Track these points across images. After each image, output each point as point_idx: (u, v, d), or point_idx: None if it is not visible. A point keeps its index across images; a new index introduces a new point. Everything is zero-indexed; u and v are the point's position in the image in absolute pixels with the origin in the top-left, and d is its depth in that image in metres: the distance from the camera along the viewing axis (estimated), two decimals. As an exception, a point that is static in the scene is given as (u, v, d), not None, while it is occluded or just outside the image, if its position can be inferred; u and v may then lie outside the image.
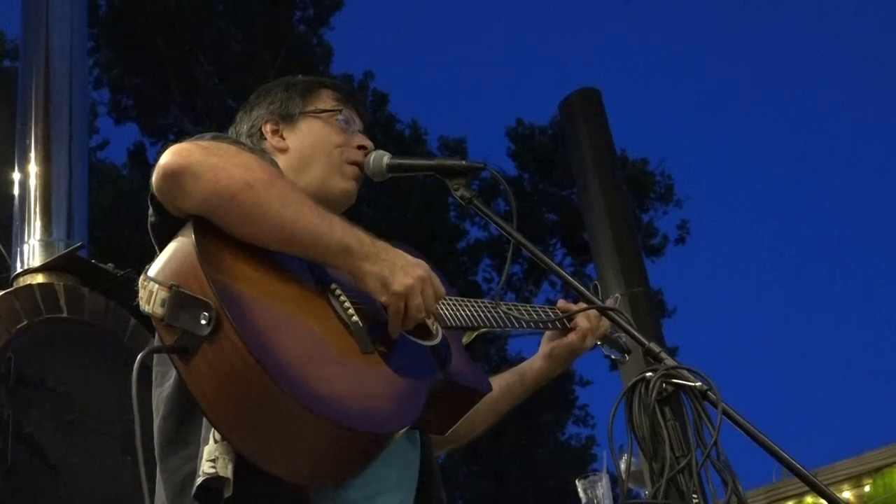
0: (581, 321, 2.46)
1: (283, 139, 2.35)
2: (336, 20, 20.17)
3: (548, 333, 2.52)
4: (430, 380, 1.93)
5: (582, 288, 2.18)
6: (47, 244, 5.23)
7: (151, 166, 2.14)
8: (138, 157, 18.70)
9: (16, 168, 5.46)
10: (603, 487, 3.09)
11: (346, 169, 2.34)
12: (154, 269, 1.85)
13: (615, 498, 3.07)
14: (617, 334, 2.57)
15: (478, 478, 20.07)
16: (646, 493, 2.51)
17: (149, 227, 2.00)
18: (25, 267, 5.12)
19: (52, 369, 4.48)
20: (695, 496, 1.74)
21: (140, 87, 18.82)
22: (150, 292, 1.81)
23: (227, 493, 1.77)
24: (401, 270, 1.93)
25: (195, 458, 1.83)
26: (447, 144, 20.55)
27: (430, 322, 2.06)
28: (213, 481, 1.77)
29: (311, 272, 1.94)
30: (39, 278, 4.97)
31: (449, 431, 2.12)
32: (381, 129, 20.09)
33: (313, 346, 1.81)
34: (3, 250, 5.91)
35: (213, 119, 17.27)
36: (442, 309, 2.14)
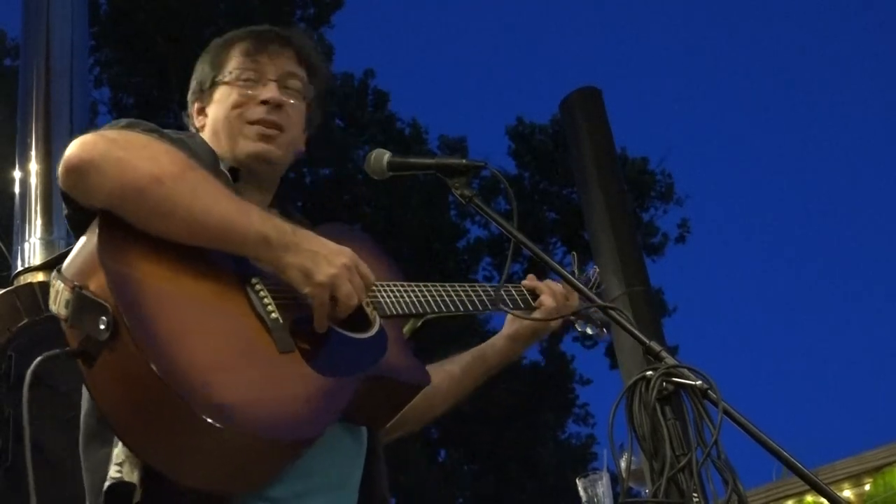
0: (546, 300, 2.37)
1: (206, 115, 2.25)
2: (337, 19, 20.20)
3: (517, 311, 2.40)
4: (357, 376, 1.85)
5: (582, 286, 2.18)
6: (48, 242, 5.22)
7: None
8: (139, 155, 18.69)
9: (16, 166, 5.46)
10: (603, 486, 3.09)
11: (246, 130, 2.16)
12: (64, 266, 1.79)
13: (615, 496, 3.07)
14: (591, 309, 2.47)
15: (478, 476, 20.07)
16: (646, 491, 2.52)
17: (66, 220, 1.92)
18: (26, 265, 5.11)
19: (52, 368, 4.48)
20: (695, 495, 1.74)
21: (140, 85, 18.84)
22: (57, 292, 1.76)
23: (136, 499, 1.71)
24: (324, 259, 1.85)
25: (110, 459, 1.77)
26: (447, 143, 20.56)
27: (368, 311, 1.98)
28: (121, 486, 1.72)
29: (235, 266, 1.85)
30: (40, 277, 4.97)
31: (389, 424, 2.04)
32: (382, 128, 20.10)
33: (223, 348, 1.73)
34: (3, 248, 5.91)
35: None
36: (384, 296, 2.05)
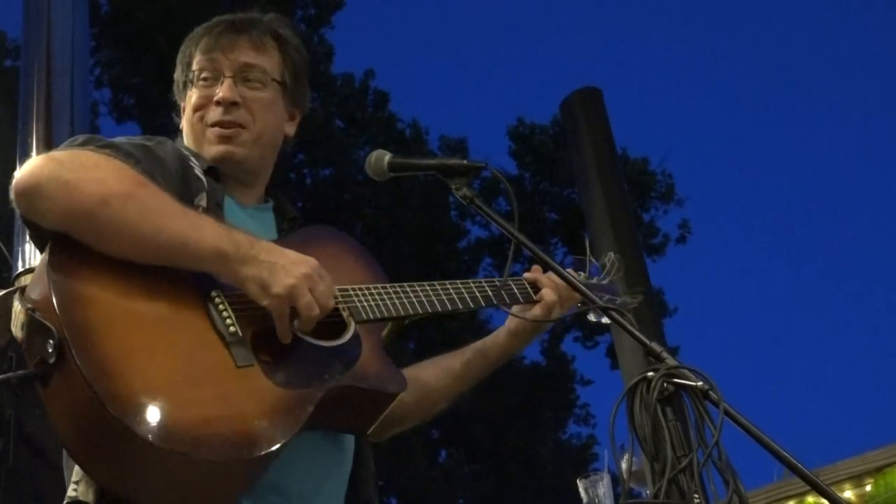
0: (547, 293, 2.33)
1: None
2: (337, 19, 20.17)
3: (515, 307, 2.36)
4: (323, 386, 1.83)
5: (583, 287, 2.17)
6: (49, 244, 5.22)
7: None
8: (139, 156, 18.68)
9: (17, 167, 5.46)
10: (604, 487, 3.09)
11: (207, 133, 2.16)
12: (27, 288, 1.78)
13: (616, 497, 3.07)
14: (597, 295, 2.38)
15: (478, 477, 20.06)
16: (647, 492, 2.51)
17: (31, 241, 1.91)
18: (27, 266, 5.11)
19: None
20: (696, 496, 1.73)
21: (141, 86, 18.82)
22: (16, 313, 1.77)
23: None
24: (282, 270, 1.83)
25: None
26: (448, 144, 20.54)
27: (345, 316, 1.96)
28: None
29: (196, 281, 1.83)
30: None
31: (377, 425, 2.01)
32: (382, 129, 20.09)
33: (175, 367, 1.71)
34: (4, 249, 5.90)
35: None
36: (362, 301, 2.02)
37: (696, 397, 1.79)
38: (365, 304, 2.03)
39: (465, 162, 2.23)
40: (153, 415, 1.61)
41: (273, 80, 2.20)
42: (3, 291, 4.62)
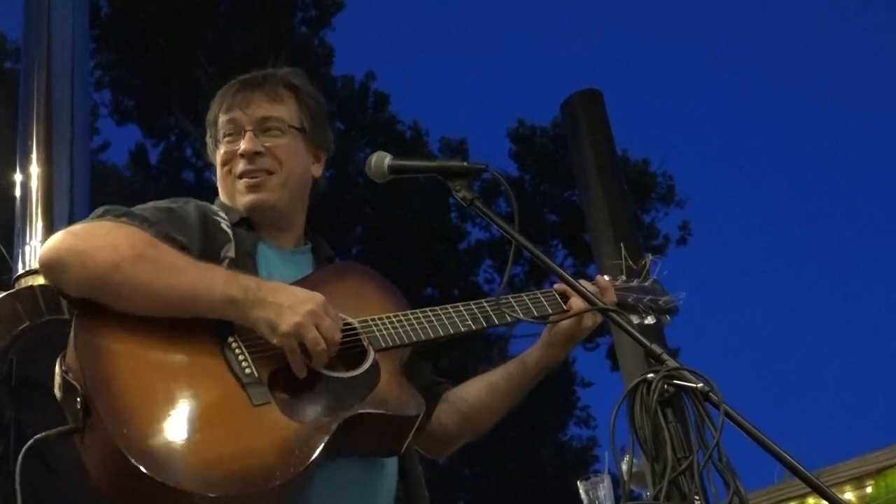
0: (575, 302, 2.35)
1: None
2: (337, 21, 20.18)
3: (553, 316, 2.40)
4: (340, 415, 1.92)
5: (583, 289, 2.17)
6: (49, 245, 5.22)
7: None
8: (140, 158, 18.69)
9: (17, 169, 5.46)
10: (604, 489, 3.09)
11: (238, 185, 2.31)
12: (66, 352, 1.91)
13: (617, 499, 3.07)
14: (636, 298, 2.48)
15: (479, 479, 20.06)
16: (647, 494, 2.52)
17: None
18: (27, 268, 5.11)
19: (53, 371, 4.47)
20: (697, 498, 1.73)
21: (141, 88, 18.84)
22: (56, 375, 1.91)
23: None
24: (288, 310, 1.94)
25: None
26: (448, 145, 20.55)
27: (366, 346, 2.06)
28: None
29: (215, 328, 1.96)
30: (41, 280, 4.96)
31: (402, 449, 2.09)
32: (383, 130, 20.09)
33: (192, 413, 1.82)
34: (4, 252, 5.91)
35: (214, 120, 17.25)
36: (381, 329, 2.12)
37: (696, 399, 1.80)
38: (384, 332, 2.12)
39: (465, 164, 2.24)
40: (168, 458, 1.74)
41: (291, 126, 2.34)
42: (3, 294, 4.63)
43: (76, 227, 2.03)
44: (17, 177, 5.46)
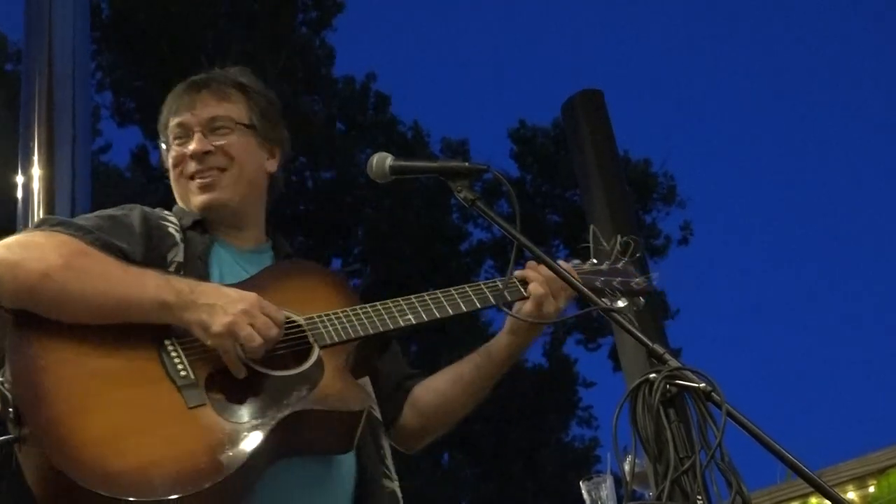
0: (534, 288, 2.32)
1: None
2: (338, 22, 20.18)
3: (515, 305, 2.35)
4: (277, 415, 1.90)
5: (585, 290, 2.17)
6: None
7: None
8: (141, 159, 18.71)
9: (19, 171, 5.46)
10: (607, 489, 3.09)
11: (190, 186, 2.30)
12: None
13: (619, 499, 3.07)
14: (605, 281, 2.41)
15: (481, 479, 20.06)
16: (650, 494, 2.51)
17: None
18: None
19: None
20: (699, 498, 1.73)
21: (142, 89, 18.84)
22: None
23: None
24: (220, 310, 1.93)
25: None
26: (449, 146, 20.57)
27: (312, 341, 2.05)
28: None
29: (151, 333, 1.95)
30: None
31: (352, 446, 2.06)
32: (384, 131, 20.10)
33: (125, 418, 1.82)
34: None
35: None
36: (327, 326, 2.10)
37: (698, 399, 1.79)
38: (330, 328, 2.10)
39: (466, 164, 2.24)
40: (96, 466, 1.73)
41: (240, 124, 2.32)
42: None
43: (9, 240, 2.02)
44: (19, 178, 5.46)
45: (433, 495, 18.78)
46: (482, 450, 19.77)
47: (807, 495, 4.63)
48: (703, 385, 1.80)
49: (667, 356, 1.88)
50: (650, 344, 1.90)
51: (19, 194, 5.44)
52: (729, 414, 1.76)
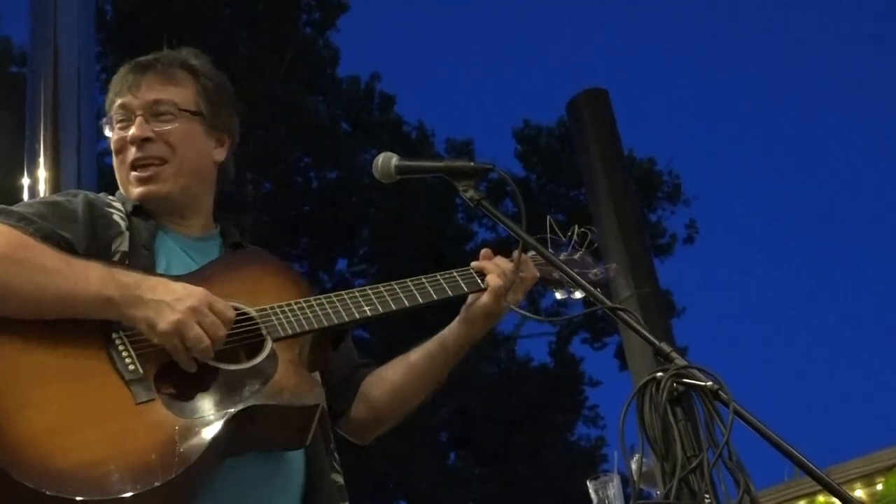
0: (491, 280, 2.30)
1: None
2: (342, 22, 20.18)
3: (471, 295, 2.34)
4: (228, 411, 1.85)
5: (590, 287, 2.17)
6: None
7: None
8: (146, 161, 18.70)
9: (25, 174, 5.47)
10: (614, 488, 3.09)
11: (130, 176, 2.22)
12: None
13: (626, 498, 3.07)
14: (556, 274, 2.40)
15: (487, 479, 20.05)
16: (657, 493, 2.51)
17: None
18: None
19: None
20: (707, 496, 1.73)
21: (147, 91, 18.84)
22: None
23: None
24: (167, 308, 1.87)
25: None
26: (454, 146, 20.57)
27: (264, 334, 1.99)
28: None
29: (99, 327, 1.89)
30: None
31: (307, 441, 2.01)
32: (388, 131, 20.10)
33: (70, 414, 1.76)
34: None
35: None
36: (280, 318, 2.04)
37: (705, 397, 1.79)
38: (284, 320, 2.05)
39: (472, 164, 2.23)
40: (38, 463, 1.67)
41: (184, 110, 2.22)
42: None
43: None
44: (25, 180, 5.46)
45: (439, 495, 18.78)
46: (488, 450, 19.76)
47: (815, 493, 4.63)
48: (710, 383, 1.80)
49: (673, 354, 1.87)
50: (657, 342, 1.90)
51: (25, 196, 5.45)
52: (736, 412, 1.76)
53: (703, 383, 1.80)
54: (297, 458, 2.07)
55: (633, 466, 1.96)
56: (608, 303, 2.13)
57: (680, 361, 1.85)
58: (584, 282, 2.17)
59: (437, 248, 19.26)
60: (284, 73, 18.68)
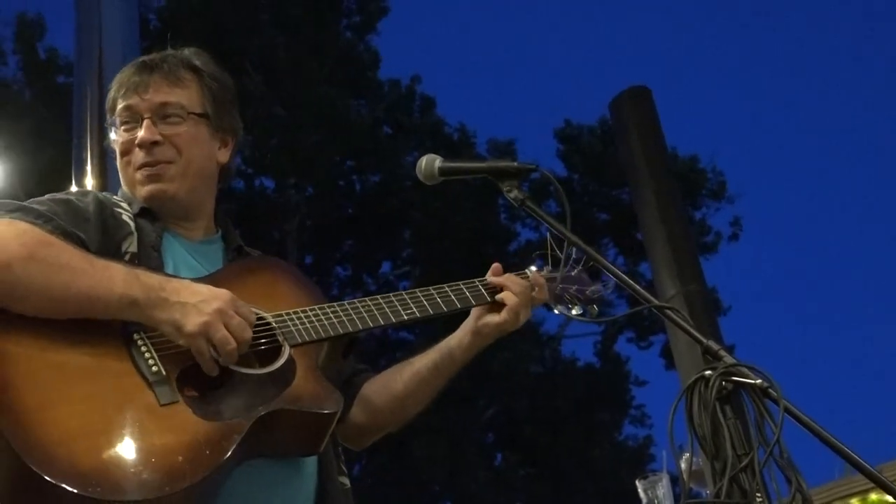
0: (509, 298, 2.31)
1: None
2: (382, 26, 20.25)
3: (478, 308, 2.34)
4: (252, 415, 1.85)
5: (638, 287, 2.15)
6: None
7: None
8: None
9: (73, 182, 5.54)
10: (663, 487, 3.07)
11: (137, 176, 2.19)
12: None
13: (676, 498, 3.05)
14: (563, 288, 2.42)
15: (534, 480, 20.01)
16: (707, 492, 2.50)
17: None
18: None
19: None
20: (758, 495, 1.72)
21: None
22: None
23: None
24: (193, 309, 1.87)
25: None
26: (496, 146, 20.54)
27: (281, 339, 1.99)
28: None
29: (120, 327, 1.88)
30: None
31: (321, 448, 2.02)
32: (430, 133, 20.13)
33: (95, 414, 1.75)
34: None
35: (260, 127, 17.41)
36: (297, 324, 2.04)
37: (755, 395, 1.78)
38: (300, 326, 2.05)
39: (515, 164, 2.23)
40: (66, 462, 1.66)
41: (192, 113, 2.21)
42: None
43: None
44: (73, 189, 5.54)
45: (487, 497, 18.76)
46: (535, 450, 19.72)
47: (867, 491, 4.58)
48: (759, 381, 1.78)
49: (722, 352, 1.86)
50: (705, 340, 1.89)
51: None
52: (786, 409, 1.74)
53: (752, 381, 1.79)
54: (309, 461, 2.08)
55: (683, 465, 1.96)
56: (655, 301, 2.11)
57: (729, 359, 1.84)
58: (635, 285, 2.15)
59: (480, 249, 19.25)
60: (325, 78, 18.77)
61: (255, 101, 18.48)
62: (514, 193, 2.19)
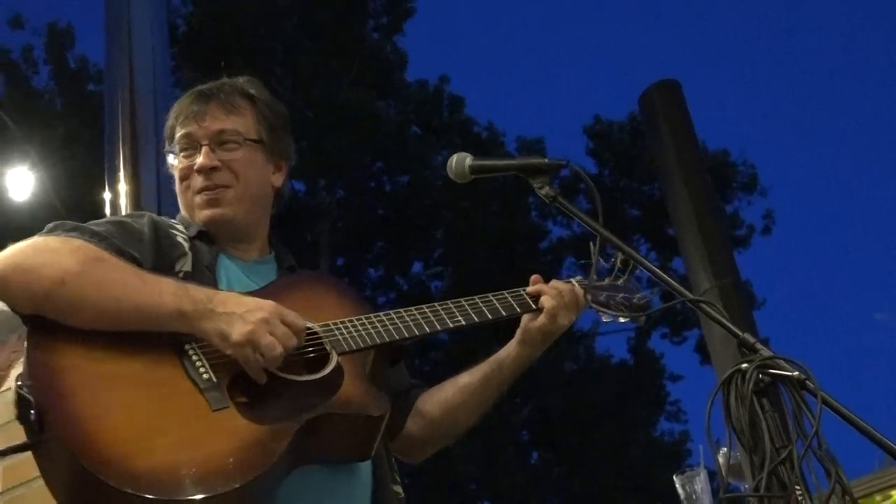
0: (546, 301, 2.34)
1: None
2: (409, 26, 20.29)
3: (526, 315, 2.37)
4: (301, 418, 1.90)
5: (673, 282, 2.15)
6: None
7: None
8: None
9: (106, 188, 5.59)
10: (701, 482, 3.07)
11: (196, 200, 2.28)
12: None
13: (714, 492, 3.04)
14: (609, 296, 2.43)
15: (570, 477, 19.98)
16: (745, 486, 2.48)
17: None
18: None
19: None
20: (798, 488, 1.71)
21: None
22: (12, 390, 1.89)
23: None
24: (239, 319, 1.92)
25: None
26: (525, 144, 20.51)
27: (328, 348, 2.04)
28: None
29: (171, 338, 1.94)
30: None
31: (372, 453, 2.06)
32: (459, 133, 20.13)
33: (149, 420, 1.82)
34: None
35: (292, 131, 17.47)
36: (343, 333, 2.10)
37: (792, 387, 1.77)
38: (346, 335, 2.10)
39: (546, 161, 2.23)
40: (124, 465, 1.73)
41: (248, 139, 2.29)
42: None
43: (23, 244, 2.00)
44: (106, 194, 5.58)
45: (523, 495, 18.75)
46: (571, 448, 19.69)
47: (907, 483, 4.53)
48: (796, 373, 1.78)
49: (758, 345, 1.85)
50: (741, 334, 1.88)
51: (107, 210, 5.57)
52: (824, 401, 1.74)
53: (789, 373, 1.78)
54: (364, 469, 2.12)
55: (721, 460, 1.95)
56: (689, 295, 2.11)
57: (765, 352, 1.83)
58: (670, 280, 2.14)
59: (511, 247, 19.25)
60: (353, 79, 18.83)
61: (283, 104, 18.59)
62: (546, 190, 2.19)
